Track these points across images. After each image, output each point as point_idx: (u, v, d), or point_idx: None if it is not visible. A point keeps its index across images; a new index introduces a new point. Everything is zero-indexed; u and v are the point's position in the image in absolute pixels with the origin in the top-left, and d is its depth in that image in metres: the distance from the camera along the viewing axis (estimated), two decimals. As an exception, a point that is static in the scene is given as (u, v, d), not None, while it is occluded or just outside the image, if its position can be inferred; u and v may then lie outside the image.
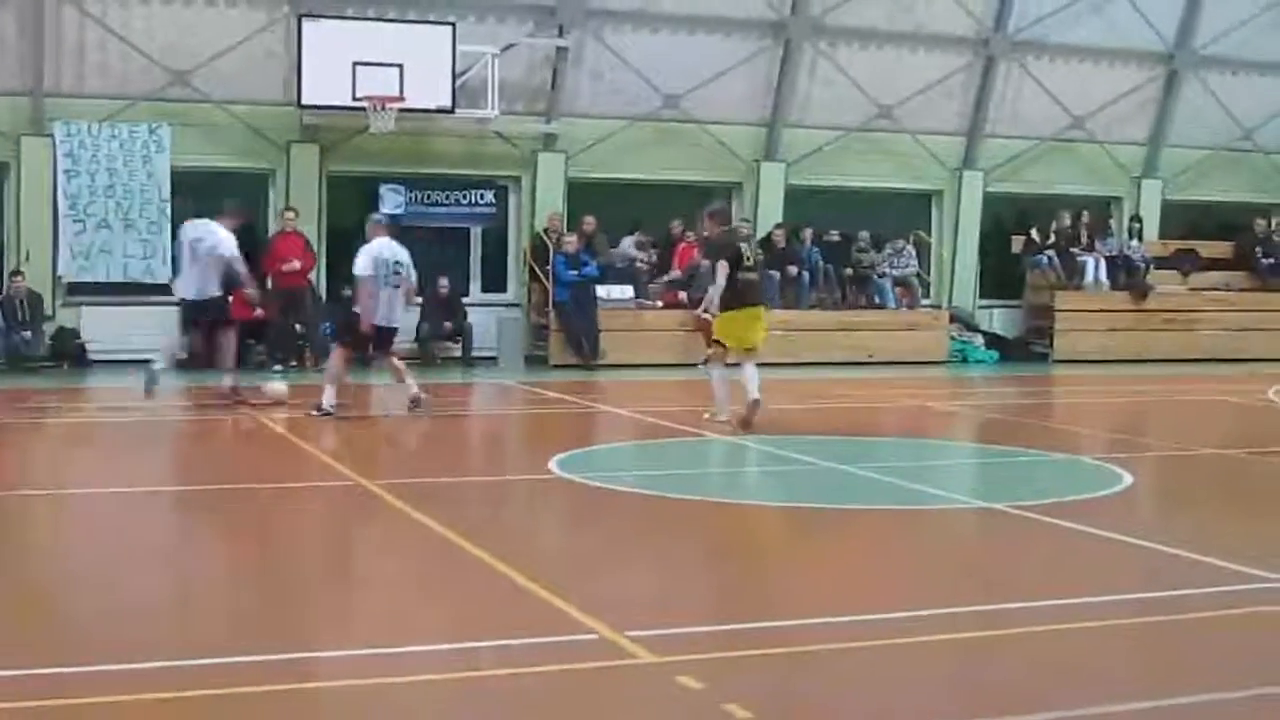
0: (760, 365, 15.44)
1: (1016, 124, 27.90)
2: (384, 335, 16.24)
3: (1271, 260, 28.99)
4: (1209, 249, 29.37)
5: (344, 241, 23.77)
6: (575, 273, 23.77)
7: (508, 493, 11.94)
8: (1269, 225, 29.56)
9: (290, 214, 23.07)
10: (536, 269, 24.44)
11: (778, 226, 25.61)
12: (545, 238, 24.44)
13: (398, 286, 16.10)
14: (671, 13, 25.33)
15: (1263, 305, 28.10)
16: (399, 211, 24.21)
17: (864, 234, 26.95)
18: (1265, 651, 6.94)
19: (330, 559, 9.32)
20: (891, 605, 7.61)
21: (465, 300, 24.72)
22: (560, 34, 24.76)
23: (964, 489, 12.56)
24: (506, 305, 25.15)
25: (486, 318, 24.55)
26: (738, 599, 8.00)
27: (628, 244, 25.51)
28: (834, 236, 26.99)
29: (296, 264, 22.88)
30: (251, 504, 10.93)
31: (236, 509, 10.73)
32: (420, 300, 15.77)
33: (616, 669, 6.35)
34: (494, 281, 25.71)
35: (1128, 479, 11.97)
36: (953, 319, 26.89)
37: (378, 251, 16.05)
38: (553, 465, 12.25)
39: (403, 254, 16.22)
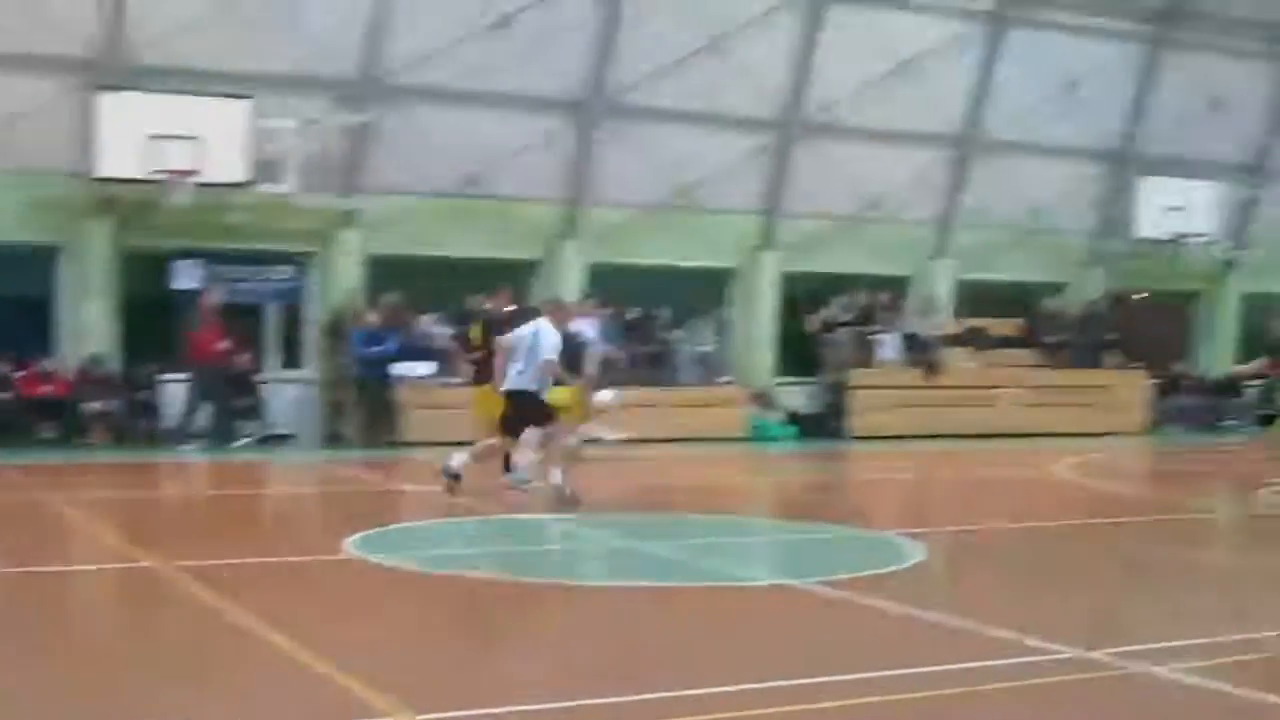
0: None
1: (813, 203, 28.34)
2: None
3: (1059, 339, 29.77)
4: (999, 327, 30.10)
5: (140, 317, 23.45)
6: (375, 349, 23.56)
7: (300, 574, 11.72)
8: (1057, 304, 30.38)
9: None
10: (334, 345, 24.18)
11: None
12: (342, 314, 24.23)
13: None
14: (473, 90, 25.37)
15: (1051, 382, 28.81)
16: (195, 286, 23.84)
17: (664, 311, 27.14)
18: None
19: (112, 645, 9.05)
20: (672, 684, 7.58)
21: (261, 377, 24.36)
22: (361, 110, 24.66)
23: (758, 565, 12.63)
24: (304, 382, 24.85)
25: (284, 394, 24.24)
26: (524, 679, 7.93)
27: (427, 322, 25.30)
28: (634, 314, 27.13)
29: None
30: (30, 589, 10.60)
31: (11, 594, 10.40)
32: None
33: (407, 753, 6.25)
34: (292, 358, 25.38)
35: (920, 554, 12.14)
36: (751, 396, 27.15)
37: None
38: (348, 545, 12.09)
39: (530, 331, 15.77)
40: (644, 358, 26.42)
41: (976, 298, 30.76)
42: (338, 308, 24.58)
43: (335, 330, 24.31)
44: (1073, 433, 26.94)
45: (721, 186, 27.48)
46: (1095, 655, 8.22)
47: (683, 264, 27.76)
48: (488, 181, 25.71)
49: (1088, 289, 31.38)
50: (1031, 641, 8.52)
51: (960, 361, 28.64)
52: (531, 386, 15.68)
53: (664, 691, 7.39)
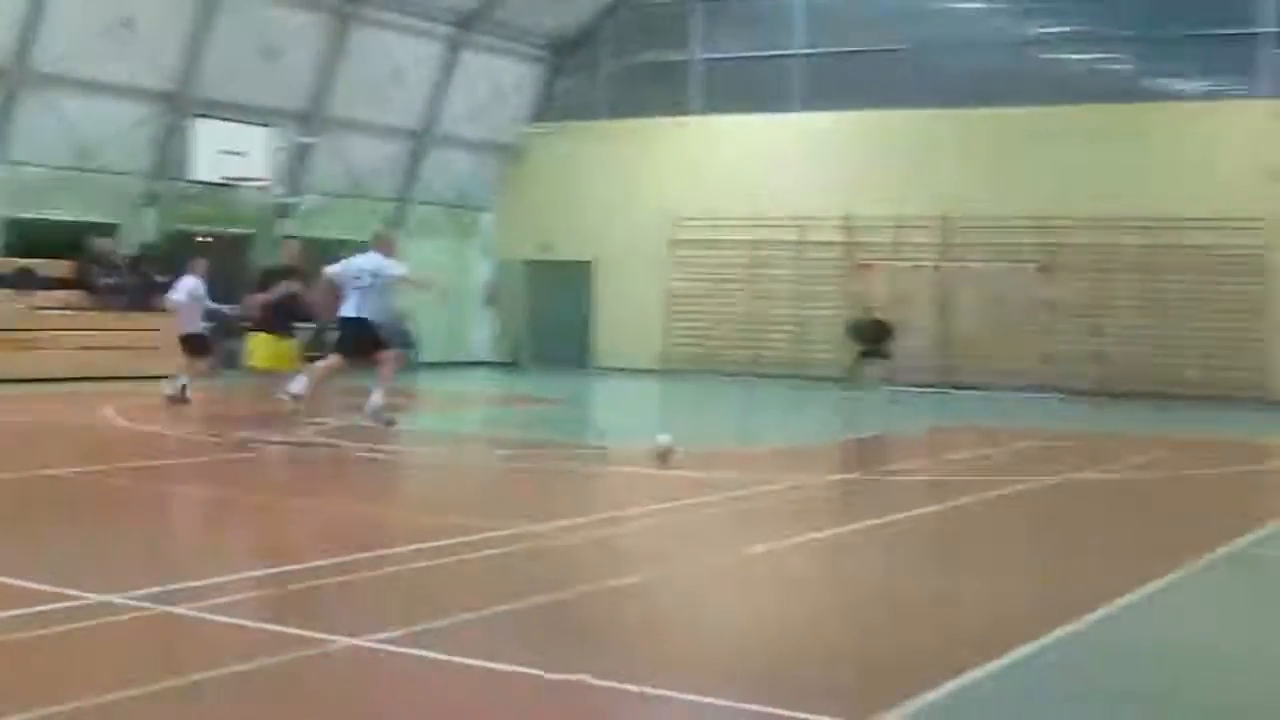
0: None
1: None
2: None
3: (112, 280, 29.30)
4: (50, 268, 29.16)
5: None
6: None
7: None
8: (110, 245, 29.88)
9: None
10: None
11: None
12: None
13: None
14: None
15: (104, 325, 28.30)
16: None
17: None
18: (76, 668, 6.96)
19: None
20: None
21: None
22: None
23: None
24: None
25: None
26: None
27: None
28: None
29: None
30: None
31: None
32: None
33: None
34: None
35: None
36: None
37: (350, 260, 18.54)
38: None
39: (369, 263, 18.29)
40: None
41: (27, 237, 29.63)
42: None
43: None
44: (126, 376, 26.50)
45: None
46: (115, 599, 8.18)
47: None
48: None
49: (143, 230, 31.07)
50: (59, 589, 8.34)
51: (8, 303, 27.51)
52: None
53: None
